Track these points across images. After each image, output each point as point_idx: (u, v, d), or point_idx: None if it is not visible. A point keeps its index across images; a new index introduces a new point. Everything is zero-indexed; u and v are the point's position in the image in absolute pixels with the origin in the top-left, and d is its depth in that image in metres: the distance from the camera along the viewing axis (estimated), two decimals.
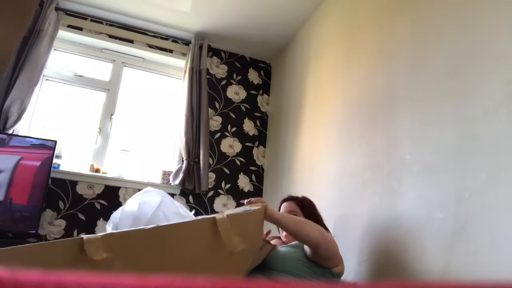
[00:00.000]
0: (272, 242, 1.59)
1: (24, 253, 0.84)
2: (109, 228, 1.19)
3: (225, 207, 2.83)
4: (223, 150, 2.97)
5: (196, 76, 2.89)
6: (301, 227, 1.24)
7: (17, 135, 2.32)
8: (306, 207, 1.55)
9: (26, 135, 2.48)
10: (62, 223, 2.40)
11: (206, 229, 1.02)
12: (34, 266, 0.81)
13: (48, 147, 2.29)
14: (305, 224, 1.26)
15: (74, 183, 2.51)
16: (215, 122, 3.01)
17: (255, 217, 1.17)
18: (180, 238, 0.99)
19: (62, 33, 2.72)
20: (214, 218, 1.02)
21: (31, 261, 0.83)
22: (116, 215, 1.20)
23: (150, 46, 2.95)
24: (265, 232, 1.43)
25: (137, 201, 1.19)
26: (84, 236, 0.88)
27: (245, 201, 1.34)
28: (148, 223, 1.10)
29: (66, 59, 2.83)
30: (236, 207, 2.90)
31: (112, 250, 0.88)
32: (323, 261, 1.29)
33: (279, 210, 1.60)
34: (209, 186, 2.83)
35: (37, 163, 2.24)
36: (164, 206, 1.20)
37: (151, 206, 1.17)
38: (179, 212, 1.22)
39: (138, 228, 1.00)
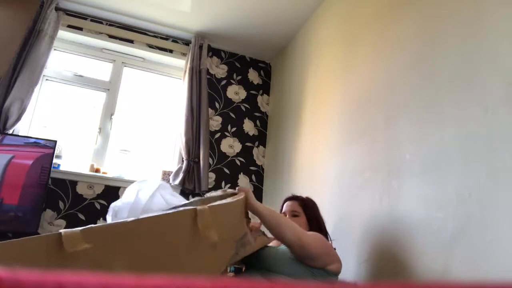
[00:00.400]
0: (273, 242, 1.59)
1: (4, 249, 0.83)
2: (109, 217, 1.20)
3: None
4: (223, 150, 2.98)
5: (196, 76, 2.89)
6: (277, 225, 1.23)
7: (10, 134, 2.31)
8: (308, 209, 1.54)
9: (26, 135, 2.48)
10: (62, 223, 2.40)
11: (187, 220, 1.03)
12: (13, 262, 0.81)
13: (41, 145, 2.24)
14: (283, 223, 1.25)
15: (74, 183, 2.51)
16: (215, 122, 3.01)
17: (236, 207, 1.18)
18: (161, 230, 1.00)
19: (62, 33, 2.72)
20: (195, 209, 1.03)
21: (10, 257, 0.82)
22: (116, 203, 1.20)
23: (150, 46, 2.95)
24: (258, 222, 1.42)
25: (135, 189, 1.19)
26: (62, 230, 0.87)
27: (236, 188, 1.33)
28: (146, 207, 1.11)
29: (66, 59, 2.84)
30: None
31: (92, 242, 0.88)
32: (305, 260, 1.27)
33: (282, 208, 1.59)
34: (209, 186, 2.83)
35: (30, 162, 2.20)
36: (163, 189, 1.21)
37: (147, 192, 1.18)
38: (176, 195, 1.23)
39: (118, 221, 1.00)
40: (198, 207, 1.04)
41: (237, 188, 1.29)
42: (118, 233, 0.94)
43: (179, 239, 1.03)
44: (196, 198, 1.22)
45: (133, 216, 1.05)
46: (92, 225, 0.96)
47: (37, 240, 0.89)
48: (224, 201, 1.18)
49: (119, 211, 1.16)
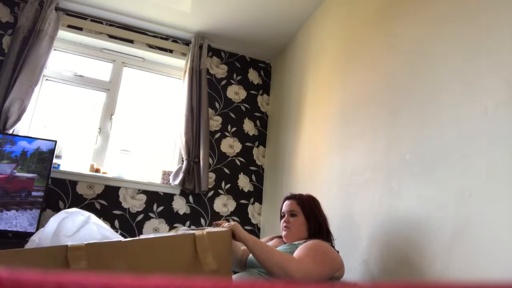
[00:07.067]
0: (272, 242, 1.59)
1: (11, 257, 0.88)
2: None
3: (225, 207, 2.83)
4: (223, 150, 2.97)
5: (196, 76, 2.89)
6: (264, 261, 1.20)
7: (10, 134, 2.32)
8: (307, 208, 1.50)
9: (26, 135, 2.49)
10: None
11: (186, 244, 1.07)
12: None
13: None
14: (270, 257, 1.20)
15: (74, 183, 2.51)
16: (215, 122, 3.01)
17: (225, 238, 1.19)
18: (160, 251, 1.04)
19: (62, 33, 2.72)
20: (194, 234, 1.08)
21: (20, 265, 0.87)
22: (34, 237, 1.14)
23: (150, 46, 2.95)
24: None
25: (60, 216, 1.14)
26: (69, 244, 0.93)
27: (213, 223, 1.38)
28: (74, 235, 1.10)
29: (66, 59, 2.83)
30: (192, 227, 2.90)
31: (93, 259, 0.93)
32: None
33: (281, 208, 1.58)
34: (209, 186, 2.83)
35: None
36: (95, 219, 1.17)
37: (77, 221, 1.13)
38: (109, 229, 1.19)
39: (121, 239, 1.04)
40: (197, 233, 1.08)
41: (225, 224, 1.30)
42: (119, 250, 0.99)
43: (177, 261, 1.06)
44: (184, 228, 1.28)
45: (55, 243, 1.05)
46: (96, 241, 1.00)
47: (45, 251, 0.94)
48: (217, 228, 1.22)
49: (40, 244, 1.09)
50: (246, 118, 3.12)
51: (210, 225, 2.71)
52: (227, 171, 2.93)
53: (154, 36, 2.98)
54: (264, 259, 1.20)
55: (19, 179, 2.19)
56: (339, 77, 2.10)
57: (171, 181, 2.72)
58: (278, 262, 1.19)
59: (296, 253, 1.29)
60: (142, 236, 1.10)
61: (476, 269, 1.04)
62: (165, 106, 3.02)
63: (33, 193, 2.19)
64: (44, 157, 2.27)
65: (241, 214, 2.87)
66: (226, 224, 1.28)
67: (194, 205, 2.76)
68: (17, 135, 2.33)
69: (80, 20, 2.79)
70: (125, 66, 2.97)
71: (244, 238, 1.22)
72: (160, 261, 1.02)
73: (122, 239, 1.13)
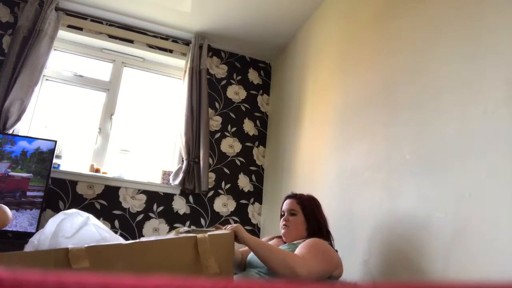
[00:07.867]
0: (272, 242, 1.59)
1: (11, 260, 0.88)
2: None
3: (225, 207, 2.83)
4: (223, 150, 2.97)
5: (196, 76, 2.89)
6: (267, 258, 1.21)
7: (10, 134, 2.32)
8: (307, 208, 1.51)
9: (26, 135, 2.48)
10: None
11: (187, 246, 1.07)
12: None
13: None
14: (272, 257, 1.21)
15: (74, 183, 2.51)
16: (215, 122, 3.01)
17: (227, 240, 1.20)
18: (161, 254, 1.04)
19: (62, 33, 2.72)
20: (195, 237, 1.08)
21: (19, 268, 0.87)
22: (34, 238, 1.13)
23: (150, 46, 2.95)
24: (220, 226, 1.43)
25: (59, 218, 1.14)
26: (70, 246, 0.93)
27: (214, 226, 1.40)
28: (75, 237, 1.10)
29: (66, 59, 2.83)
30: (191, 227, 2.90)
31: (93, 261, 0.93)
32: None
33: (282, 206, 1.59)
34: (209, 186, 2.83)
35: None
36: (93, 220, 1.17)
37: (76, 222, 1.13)
38: (107, 230, 1.20)
39: (121, 242, 1.04)
40: (198, 235, 1.09)
41: (228, 226, 1.30)
42: (120, 253, 0.99)
43: (179, 264, 1.06)
44: (185, 228, 1.28)
45: (54, 245, 1.06)
46: (96, 244, 0.99)
47: (46, 253, 0.94)
48: (217, 231, 1.23)
49: (39, 245, 1.09)
50: (246, 118, 3.12)
51: (210, 226, 2.72)
52: (227, 171, 2.93)
53: (154, 36, 2.98)
54: (268, 258, 1.21)
55: (13, 179, 2.19)
56: (339, 77, 2.10)
57: (171, 181, 2.72)
58: (282, 260, 1.20)
59: (297, 251, 1.30)
60: (143, 239, 1.11)
61: (476, 269, 1.04)
62: (165, 106, 3.02)
63: (28, 193, 2.18)
64: (44, 157, 2.27)
65: (241, 214, 2.87)
66: (228, 226, 1.29)
67: (194, 205, 2.76)
68: (17, 135, 2.33)
69: (80, 20, 2.79)
70: (125, 66, 2.97)
71: (246, 239, 1.23)
72: (161, 264, 1.02)
73: (121, 240, 1.13)
